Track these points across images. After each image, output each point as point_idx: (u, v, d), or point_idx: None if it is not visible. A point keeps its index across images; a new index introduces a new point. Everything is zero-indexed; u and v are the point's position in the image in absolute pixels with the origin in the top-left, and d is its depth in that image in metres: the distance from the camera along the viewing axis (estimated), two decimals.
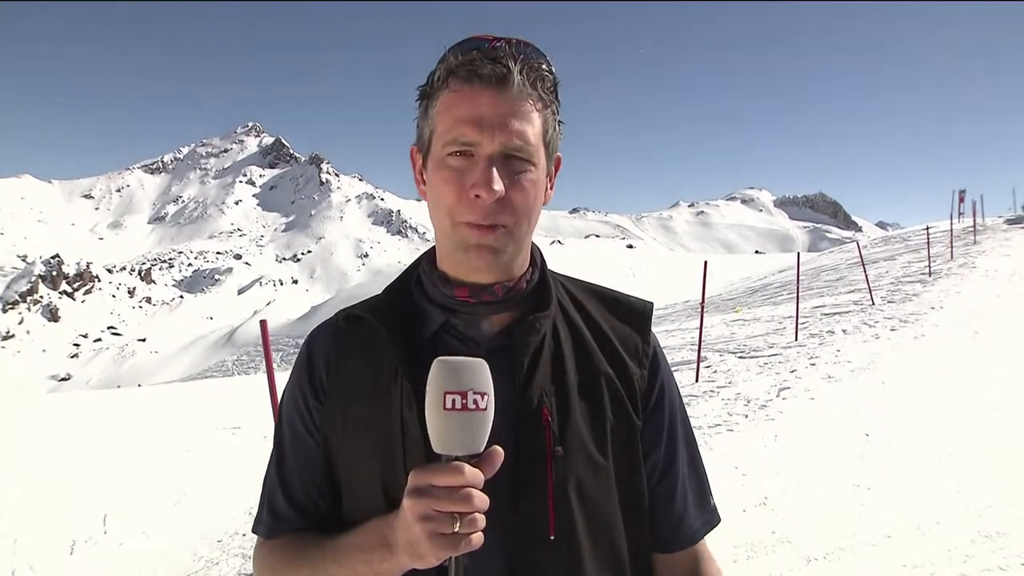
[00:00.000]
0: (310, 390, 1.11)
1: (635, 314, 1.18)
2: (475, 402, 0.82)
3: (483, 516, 0.82)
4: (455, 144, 0.96)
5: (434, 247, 1.12)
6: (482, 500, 0.82)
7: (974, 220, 26.94)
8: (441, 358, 0.84)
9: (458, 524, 0.80)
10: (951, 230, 23.41)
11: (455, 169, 0.97)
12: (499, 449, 0.85)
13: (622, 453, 1.07)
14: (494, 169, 0.95)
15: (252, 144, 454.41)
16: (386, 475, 1.00)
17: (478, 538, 0.82)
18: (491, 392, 0.84)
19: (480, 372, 0.84)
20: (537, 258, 1.14)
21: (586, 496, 1.01)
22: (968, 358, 9.61)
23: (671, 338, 15.37)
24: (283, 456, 1.14)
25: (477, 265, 1.00)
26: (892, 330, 11.94)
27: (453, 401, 0.81)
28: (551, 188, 1.09)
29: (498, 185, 0.94)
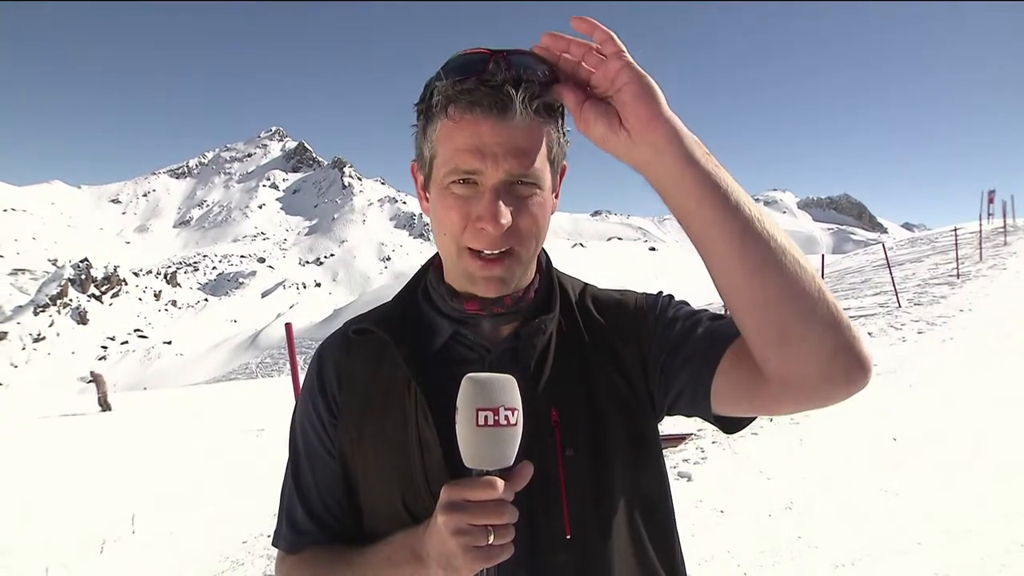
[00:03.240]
0: (323, 405, 1.10)
1: (636, 303, 1.14)
2: (506, 418, 0.83)
3: (513, 527, 0.84)
4: (457, 173, 0.93)
5: (439, 256, 1.10)
6: (513, 512, 0.83)
7: (1004, 221, 26.50)
8: (471, 375, 0.85)
9: (492, 537, 0.82)
10: (980, 231, 23.03)
11: (459, 197, 0.95)
12: (529, 464, 0.86)
13: (632, 450, 1.06)
14: (500, 202, 0.92)
15: (275, 148, 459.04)
16: (405, 488, 1.00)
17: (509, 548, 0.84)
18: (520, 407, 0.85)
19: (510, 388, 0.85)
20: (543, 262, 1.14)
21: (599, 495, 1.01)
22: (998, 361, 9.43)
23: None
24: (300, 471, 1.13)
25: (485, 292, 1.00)
26: (919, 333, 11.77)
27: (486, 418, 0.82)
28: (556, 197, 1.05)
29: (505, 219, 0.92)
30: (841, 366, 0.86)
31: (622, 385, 1.07)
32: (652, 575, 1.06)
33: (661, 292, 1.17)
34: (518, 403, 0.85)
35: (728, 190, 0.86)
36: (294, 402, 1.21)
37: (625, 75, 0.87)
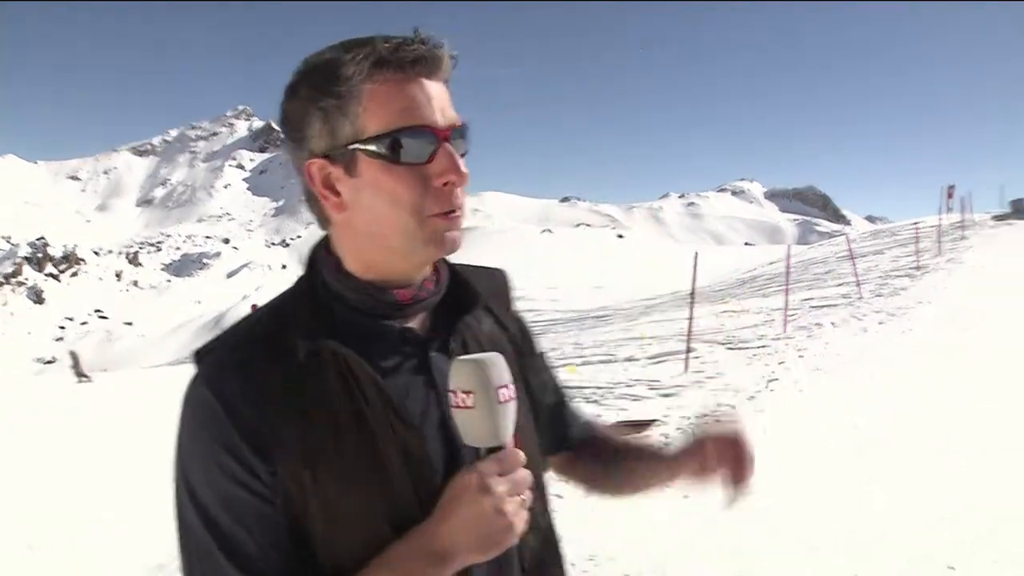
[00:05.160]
0: (248, 449, 0.88)
1: (503, 279, 1.25)
2: (514, 390, 0.89)
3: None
4: (407, 128, 0.89)
5: (312, 270, 1.01)
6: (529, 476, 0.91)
7: (962, 216, 27.11)
8: (474, 358, 0.88)
9: (524, 503, 0.88)
10: (939, 225, 23.52)
11: (411, 166, 0.90)
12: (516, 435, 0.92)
13: (529, 402, 1.14)
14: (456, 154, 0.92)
15: (242, 128, 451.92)
16: (391, 506, 0.91)
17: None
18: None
19: (505, 363, 0.90)
20: None
21: (528, 439, 1.05)
22: (955, 353, 9.63)
23: (660, 328, 15.37)
24: (235, 546, 0.88)
25: (449, 252, 0.96)
26: (880, 323, 11.99)
27: (502, 393, 0.87)
28: None
29: (465, 167, 0.92)
30: None
31: (512, 347, 1.14)
32: (553, 529, 1.14)
33: None
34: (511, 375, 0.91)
35: None
36: None
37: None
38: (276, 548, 0.89)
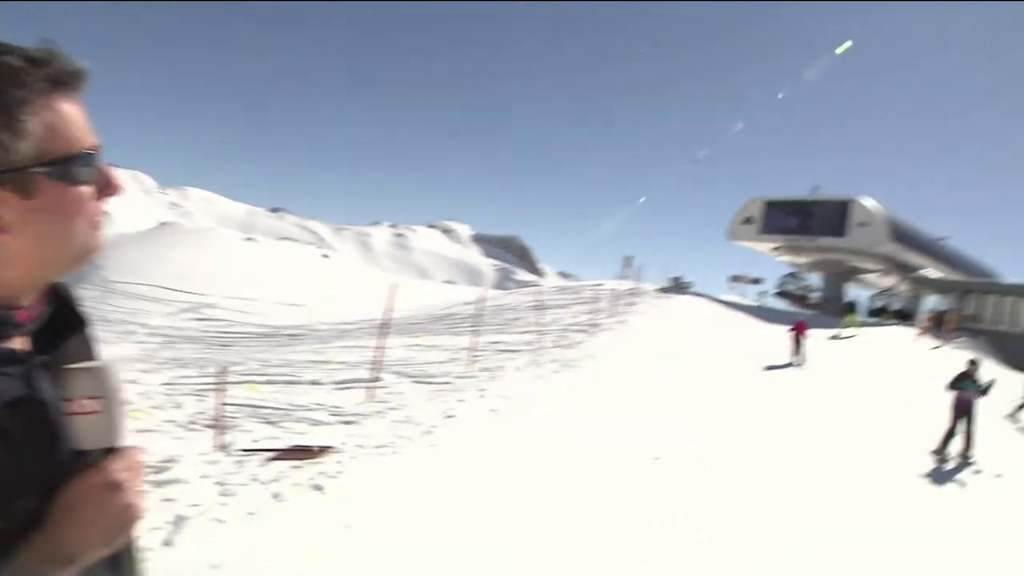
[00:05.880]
0: None
1: (74, 292, 1.09)
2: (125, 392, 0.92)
3: None
4: (86, 157, 0.90)
5: None
6: None
7: (634, 284, 30.83)
8: (98, 365, 0.91)
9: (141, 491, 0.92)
10: (615, 290, 26.42)
11: (84, 184, 0.91)
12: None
13: None
14: None
15: None
16: (11, 530, 0.84)
17: None
18: None
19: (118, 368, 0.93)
20: None
21: None
22: (617, 406, 10.66)
23: (350, 354, 15.09)
24: None
25: (100, 249, 0.97)
26: (555, 372, 12.90)
27: (122, 396, 0.90)
28: None
29: (119, 180, 0.96)
30: None
31: None
32: None
33: None
34: None
35: None
36: None
37: None
38: None
